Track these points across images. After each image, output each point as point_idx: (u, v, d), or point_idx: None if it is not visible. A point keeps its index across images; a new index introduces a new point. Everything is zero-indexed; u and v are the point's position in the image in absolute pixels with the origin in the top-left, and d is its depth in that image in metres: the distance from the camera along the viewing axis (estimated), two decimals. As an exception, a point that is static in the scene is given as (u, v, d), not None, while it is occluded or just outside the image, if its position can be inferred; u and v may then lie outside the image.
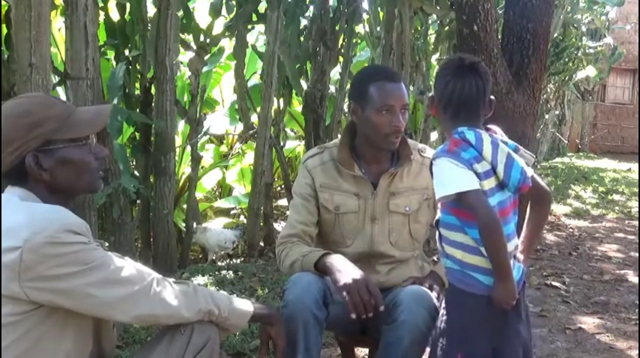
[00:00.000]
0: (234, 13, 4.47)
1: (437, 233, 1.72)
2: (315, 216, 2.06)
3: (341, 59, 5.26)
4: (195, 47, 4.17)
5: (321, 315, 1.83)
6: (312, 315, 1.79)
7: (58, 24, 4.35)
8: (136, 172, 3.93)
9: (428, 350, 1.81)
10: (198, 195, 5.23)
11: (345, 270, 1.82)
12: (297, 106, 5.86)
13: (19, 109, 1.37)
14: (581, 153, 16.17)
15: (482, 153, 1.58)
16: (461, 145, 1.59)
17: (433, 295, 1.88)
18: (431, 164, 1.67)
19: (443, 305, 1.72)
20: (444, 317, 1.68)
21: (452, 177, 1.57)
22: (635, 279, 4.17)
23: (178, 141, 4.46)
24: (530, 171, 1.67)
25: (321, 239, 2.11)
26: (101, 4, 3.68)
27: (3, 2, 2.78)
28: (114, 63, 4.02)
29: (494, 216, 1.54)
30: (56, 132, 1.37)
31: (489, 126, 1.69)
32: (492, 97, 1.70)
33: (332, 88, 5.51)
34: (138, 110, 3.86)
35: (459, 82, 1.63)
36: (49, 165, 1.37)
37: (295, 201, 2.10)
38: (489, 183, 1.59)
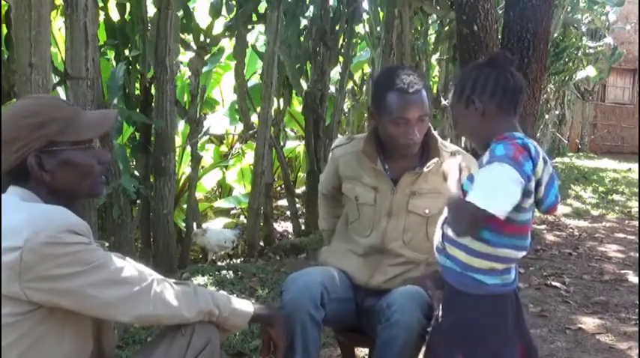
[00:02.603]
0: (234, 13, 4.47)
1: (440, 231, 1.68)
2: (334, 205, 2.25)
3: (341, 59, 5.26)
4: (195, 47, 4.17)
5: (319, 315, 1.84)
6: (309, 316, 1.81)
7: (58, 24, 4.35)
8: (136, 172, 3.93)
9: (424, 349, 1.80)
10: (198, 195, 5.23)
11: None
12: (297, 106, 5.86)
13: (24, 109, 1.37)
14: (581, 153, 16.15)
15: (536, 167, 1.54)
16: (524, 155, 1.52)
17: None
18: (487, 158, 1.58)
19: (441, 305, 1.71)
20: (443, 318, 1.67)
21: (502, 195, 1.48)
22: (635, 279, 4.17)
23: (178, 141, 4.46)
24: None
25: (347, 226, 2.13)
26: (101, 4, 3.68)
27: (3, 2, 2.78)
28: (114, 63, 4.02)
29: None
30: (60, 134, 1.37)
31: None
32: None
33: (332, 88, 5.52)
34: (138, 110, 3.86)
35: (502, 71, 1.62)
36: (50, 166, 1.36)
37: (319, 196, 2.31)
38: (529, 201, 1.55)
